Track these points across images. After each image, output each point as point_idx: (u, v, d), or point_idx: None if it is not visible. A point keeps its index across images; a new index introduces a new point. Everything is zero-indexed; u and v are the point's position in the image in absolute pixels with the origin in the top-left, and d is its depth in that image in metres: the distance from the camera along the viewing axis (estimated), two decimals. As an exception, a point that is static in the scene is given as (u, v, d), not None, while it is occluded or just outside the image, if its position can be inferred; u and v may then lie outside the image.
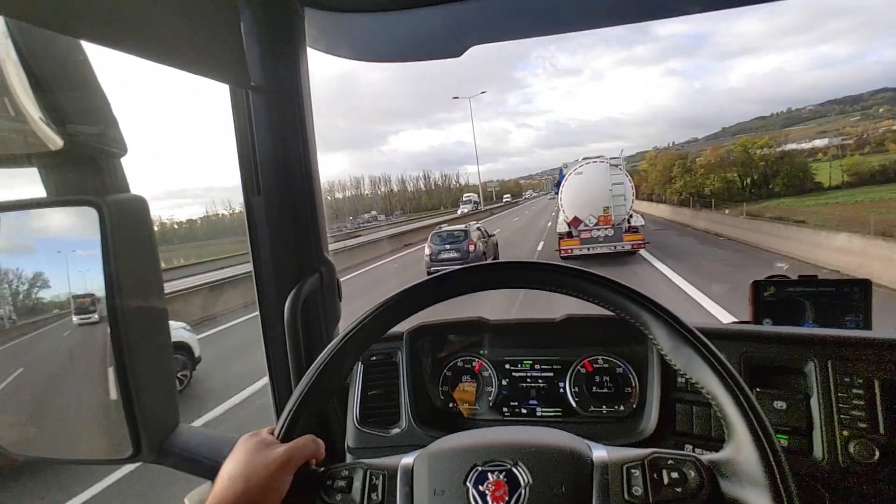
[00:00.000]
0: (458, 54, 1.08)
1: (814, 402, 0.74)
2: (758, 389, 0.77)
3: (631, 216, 12.35)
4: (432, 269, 11.30)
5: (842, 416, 0.71)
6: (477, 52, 1.12)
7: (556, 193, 13.90)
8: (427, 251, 11.83)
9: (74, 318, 0.67)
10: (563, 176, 13.36)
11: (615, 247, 11.78)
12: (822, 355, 0.74)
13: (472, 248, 11.59)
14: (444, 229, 12.35)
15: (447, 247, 11.68)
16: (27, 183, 0.66)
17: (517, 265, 0.58)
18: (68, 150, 0.62)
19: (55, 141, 0.62)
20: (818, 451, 0.72)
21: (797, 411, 0.74)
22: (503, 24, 1.01)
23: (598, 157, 13.15)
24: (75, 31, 0.55)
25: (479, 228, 12.51)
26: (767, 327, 0.93)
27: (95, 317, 0.66)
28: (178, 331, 5.47)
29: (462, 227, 12.26)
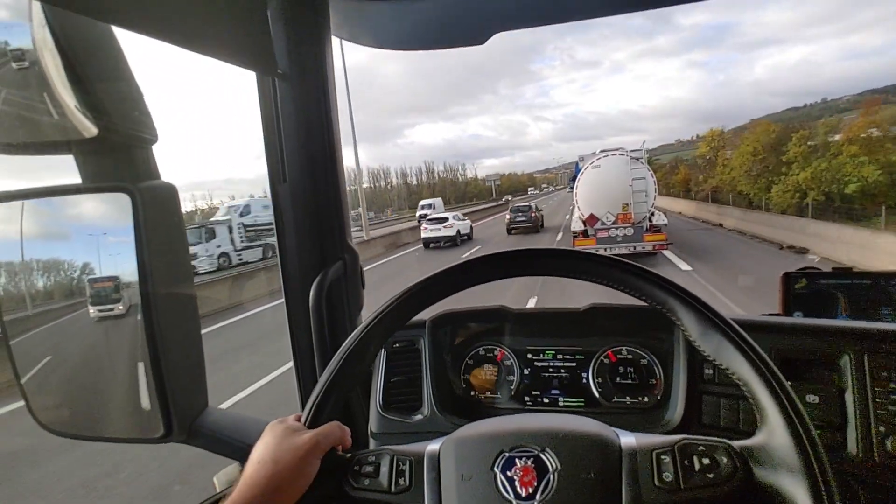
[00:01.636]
0: (482, 41, 1.06)
1: (848, 397, 0.72)
2: (789, 383, 0.75)
3: (653, 214, 11.48)
4: (511, 227, 19.10)
5: (878, 411, 0.69)
6: (493, 44, 1.10)
7: (572, 188, 13.08)
8: (507, 217, 19.75)
9: (91, 310, 0.68)
10: (579, 169, 12.49)
11: (635, 247, 10.83)
12: (858, 349, 0.72)
13: (533, 215, 19.28)
14: (517, 205, 20.98)
15: (520, 214, 19.43)
16: (64, 170, 0.68)
17: (542, 253, 0.58)
18: (102, 138, 0.63)
19: (90, 129, 0.63)
20: (852, 446, 0.70)
21: (831, 405, 0.72)
22: (527, 11, 1.00)
23: (617, 148, 12.19)
24: (108, 16, 0.56)
25: (535, 205, 20.75)
26: (800, 319, 0.91)
27: (120, 307, 0.67)
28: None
29: (527, 203, 21.00)
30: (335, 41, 0.93)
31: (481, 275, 0.59)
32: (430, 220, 18.16)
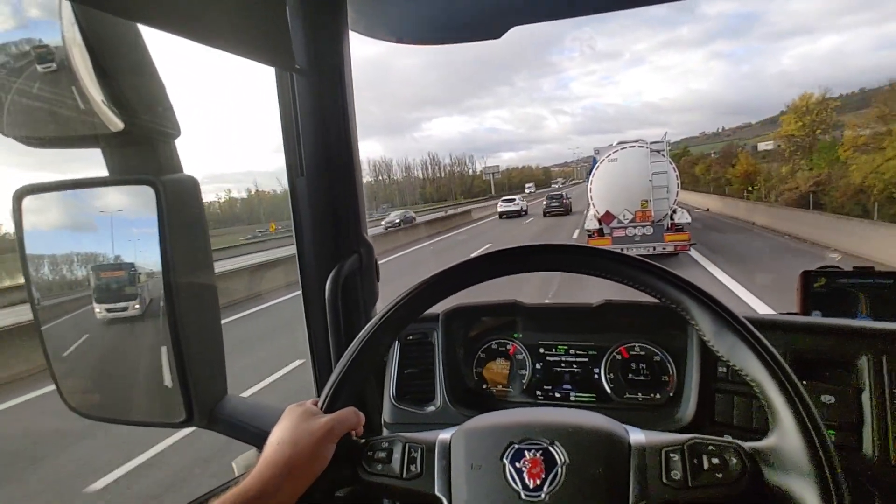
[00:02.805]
0: (498, 35, 1.06)
1: (865, 398, 0.71)
2: (804, 382, 0.74)
3: (674, 211, 10.48)
4: (546, 211, 25.62)
5: (895, 412, 0.68)
6: (509, 36, 1.10)
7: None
8: (544, 203, 26.55)
9: (97, 309, 0.67)
10: (596, 163, 11.53)
11: (654, 248, 9.87)
12: (876, 349, 0.71)
13: (564, 202, 25.71)
14: (552, 193, 29.46)
15: (554, 201, 25.89)
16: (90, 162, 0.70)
17: (552, 248, 0.58)
18: (128, 132, 0.66)
19: (116, 123, 0.65)
20: (868, 447, 0.69)
21: (847, 406, 0.72)
22: (544, 4, 0.99)
23: (637, 140, 11.27)
24: (131, 14, 0.57)
25: (565, 194, 27.89)
26: (818, 319, 0.89)
27: (136, 305, 0.68)
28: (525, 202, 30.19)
29: (560, 192, 29.72)
30: (352, 36, 0.93)
31: (493, 270, 0.59)
32: (504, 200, 30.12)
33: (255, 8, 0.71)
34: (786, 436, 0.45)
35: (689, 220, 10.52)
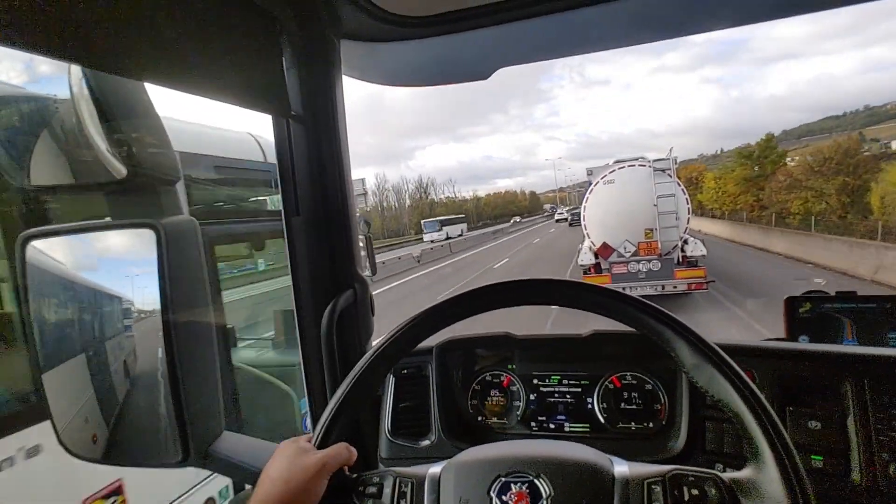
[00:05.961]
0: (486, 76, 1.11)
1: (850, 423, 0.72)
2: (790, 408, 0.75)
3: (686, 241, 8.72)
4: (570, 222, 37.35)
5: (880, 437, 0.69)
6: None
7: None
8: (568, 218, 41.84)
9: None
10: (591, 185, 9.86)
11: (663, 286, 8.27)
12: (857, 374, 0.72)
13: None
14: (573, 210, 38.94)
15: (575, 216, 27.48)
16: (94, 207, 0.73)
17: (538, 282, 0.61)
18: (131, 179, 0.69)
19: (120, 170, 0.69)
20: (856, 473, 0.70)
21: (833, 432, 0.73)
22: (530, 47, 1.05)
23: (637, 158, 9.48)
24: (136, 74, 0.61)
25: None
26: (802, 344, 0.91)
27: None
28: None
29: (579, 210, 33.14)
30: (345, 80, 0.98)
31: (476, 306, 0.61)
32: (558, 213, 51.46)
33: (253, 60, 0.76)
34: (763, 467, 0.47)
35: (704, 251, 8.73)
